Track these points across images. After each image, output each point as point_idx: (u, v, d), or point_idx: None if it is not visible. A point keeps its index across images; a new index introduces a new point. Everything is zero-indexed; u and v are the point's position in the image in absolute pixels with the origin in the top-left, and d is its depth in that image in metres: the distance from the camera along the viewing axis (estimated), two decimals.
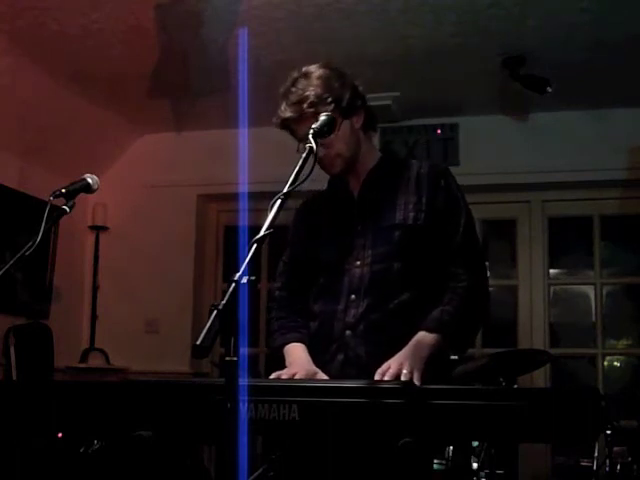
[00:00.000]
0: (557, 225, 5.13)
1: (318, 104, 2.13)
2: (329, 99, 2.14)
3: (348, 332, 2.17)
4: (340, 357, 2.16)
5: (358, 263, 2.21)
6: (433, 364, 2.09)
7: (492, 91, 4.66)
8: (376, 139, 2.56)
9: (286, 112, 2.17)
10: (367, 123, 2.30)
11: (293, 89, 2.17)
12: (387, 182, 2.28)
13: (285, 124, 2.20)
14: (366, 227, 2.24)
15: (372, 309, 2.16)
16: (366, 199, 2.28)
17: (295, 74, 2.21)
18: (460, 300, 2.14)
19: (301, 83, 2.17)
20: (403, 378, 1.94)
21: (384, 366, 2.00)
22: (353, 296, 2.19)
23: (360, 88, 2.27)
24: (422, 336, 2.09)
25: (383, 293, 2.17)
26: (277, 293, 2.39)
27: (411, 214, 2.21)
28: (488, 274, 2.27)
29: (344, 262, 2.22)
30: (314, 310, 2.27)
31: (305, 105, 2.13)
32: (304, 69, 2.22)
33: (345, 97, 2.18)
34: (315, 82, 2.17)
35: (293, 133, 2.22)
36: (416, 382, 1.94)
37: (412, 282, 2.17)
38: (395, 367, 1.98)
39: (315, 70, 2.21)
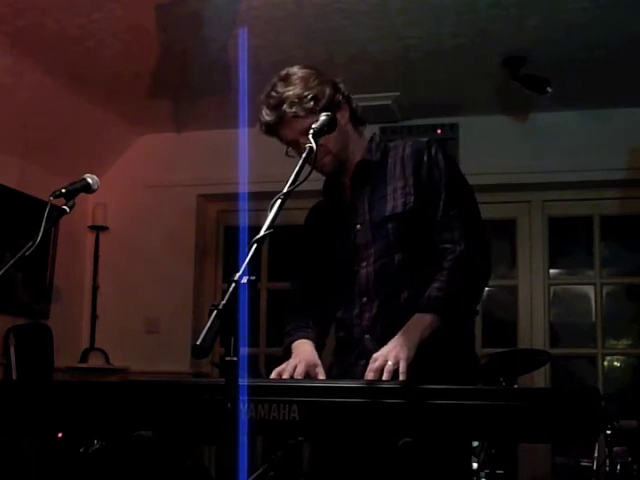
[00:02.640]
0: (557, 225, 5.13)
1: (298, 104, 2.13)
2: (309, 96, 2.13)
3: (367, 336, 2.16)
4: (362, 362, 2.13)
5: (364, 264, 2.20)
6: (460, 357, 2.10)
7: (492, 91, 4.66)
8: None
9: (267, 117, 2.17)
10: (353, 118, 2.27)
11: (272, 93, 2.17)
12: (375, 173, 2.25)
13: (268, 129, 2.20)
14: (365, 225, 2.22)
15: (384, 310, 2.15)
16: (358, 197, 2.26)
17: (275, 78, 2.20)
18: (447, 274, 2.09)
19: (280, 86, 2.17)
20: (386, 373, 1.92)
21: (369, 368, 1.97)
22: (365, 299, 2.18)
23: (341, 85, 2.25)
24: (414, 319, 2.04)
25: (390, 290, 2.15)
26: (291, 303, 2.40)
27: (400, 201, 2.18)
28: (485, 237, 2.18)
29: (352, 264, 2.21)
30: (337, 318, 2.27)
31: (285, 106, 2.13)
32: (283, 72, 2.21)
33: (325, 94, 2.16)
34: (294, 82, 2.16)
35: (280, 138, 2.21)
36: (401, 373, 1.93)
37: (417, 272, 2.14)
38: (380, 361, 1.96)
39: (294, 72, 2.20)
